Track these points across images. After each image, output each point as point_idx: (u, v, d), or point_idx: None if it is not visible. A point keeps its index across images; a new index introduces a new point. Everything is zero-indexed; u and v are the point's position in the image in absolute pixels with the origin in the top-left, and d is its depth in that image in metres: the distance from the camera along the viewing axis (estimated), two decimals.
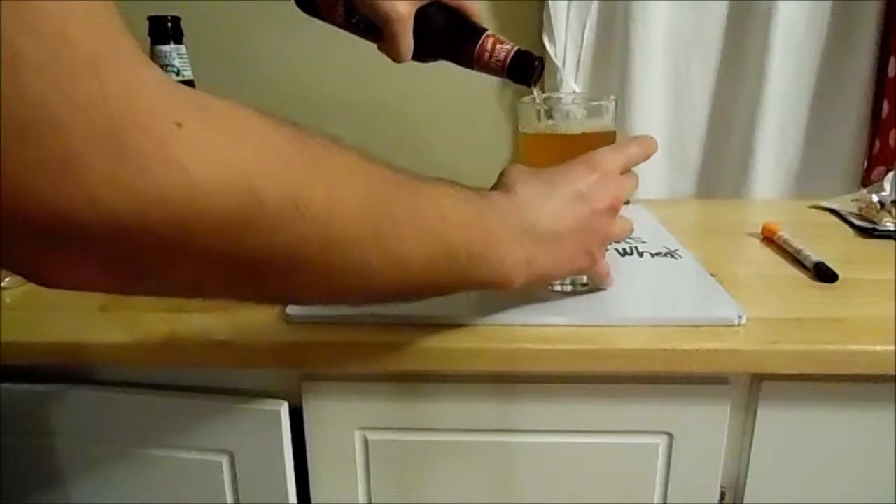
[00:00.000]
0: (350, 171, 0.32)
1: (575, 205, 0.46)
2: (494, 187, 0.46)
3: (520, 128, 0.61)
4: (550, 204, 0.45)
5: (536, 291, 0.55)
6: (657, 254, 0.66)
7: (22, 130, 0.20)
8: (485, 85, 0.96)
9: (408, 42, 0.53)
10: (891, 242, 0.72)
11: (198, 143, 0.24)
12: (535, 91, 0.56)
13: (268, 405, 0.54)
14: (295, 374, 0.54)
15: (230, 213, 0.25)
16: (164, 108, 0.23)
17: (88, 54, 0.21)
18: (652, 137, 0.52)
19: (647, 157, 0.51)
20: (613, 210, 0.48)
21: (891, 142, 0.88)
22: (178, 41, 0.66)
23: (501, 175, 0.47)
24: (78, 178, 0.21)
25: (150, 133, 0.22)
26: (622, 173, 0.49)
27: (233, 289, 0.30)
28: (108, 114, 0.21)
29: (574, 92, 0.92)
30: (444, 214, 0.37)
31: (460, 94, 0.96)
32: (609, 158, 0.49)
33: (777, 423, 0.53)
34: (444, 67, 0.99)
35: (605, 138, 0.58)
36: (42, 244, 0.23)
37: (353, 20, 0.57)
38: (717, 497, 0.55)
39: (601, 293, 0.56)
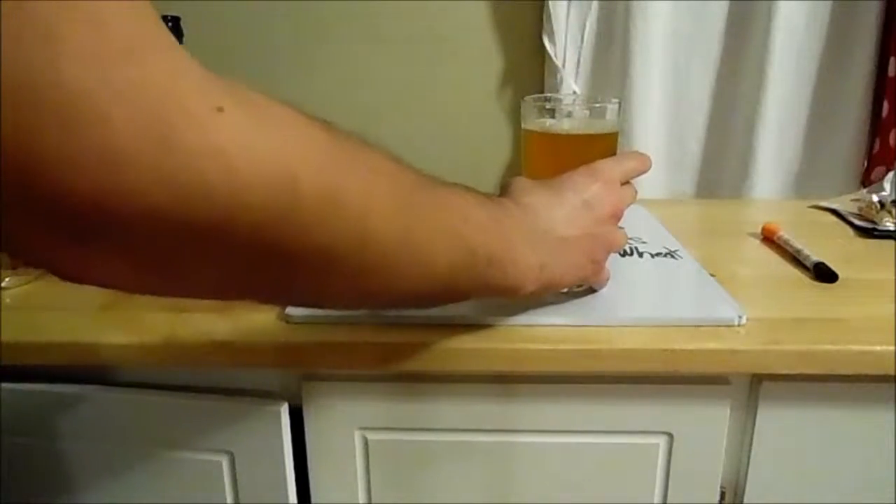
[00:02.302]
0: (380, 170, 0.31)
1: (581, 212, 0.46)
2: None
3: (523, 125, 0.61)
4: (559, 211, 0.45)
5: None
6: (657, 254, 0.66)
7: (61, 120, 0.19)
8: (485, 85, 0.96)
9: None
10: (891, 242, 0.72)
11: (240, 131, 0.23)
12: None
13: (268, 405, 0.54)
14: (295, 374, 0.54)
15: (270, 206, 0.24)
16: (204, 94, 0.22)
17: (126, 40, 0.20)
18: (647, 155, 0.53)
19: (643, 172, 0.52)
20: (615, 218, 0.49)
21: (891, 142, 0.88)
22: (178, 41, 0.66)
23: (504, 187, 0.47)
24: (120, 169, 0.20)
25: (193, 119, 0.22)
26: (621, 184, 0.50)
27: (262, 289, 0.29)
28: (149, 101, 0.21)
29: (574, 92, 0.92)
30: (465, 217, 0.36)
31: (460, 94, 0.96)
32: (610, 168, 0.49)
33: (777, 423, 0.53)
34: (444, 67, 0.99)
35: (609, 139, 0.58)
36: (73, 238, 0.22)
37: None
38: (717, 497, 0.55)
39: (601, 293, 0.56)
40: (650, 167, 0.53)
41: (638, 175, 0.52)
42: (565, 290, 0.56)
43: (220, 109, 0.22)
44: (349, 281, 0.30)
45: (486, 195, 0.41)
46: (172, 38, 0.23)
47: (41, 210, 0.20)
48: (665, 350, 0.49)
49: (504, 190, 0.47)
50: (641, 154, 0.53)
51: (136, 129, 0.20)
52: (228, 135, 0.23)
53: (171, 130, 0.21)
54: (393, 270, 0.32)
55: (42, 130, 0.19)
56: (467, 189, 0.39)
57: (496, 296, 0.41)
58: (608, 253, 0.50)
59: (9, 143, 0.19)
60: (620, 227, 0.51)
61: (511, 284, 0.40)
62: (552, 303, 0.54)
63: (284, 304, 0.33)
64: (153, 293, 0.27)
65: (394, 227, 0.30)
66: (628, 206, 0.51)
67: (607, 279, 0.54)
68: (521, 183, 0.47)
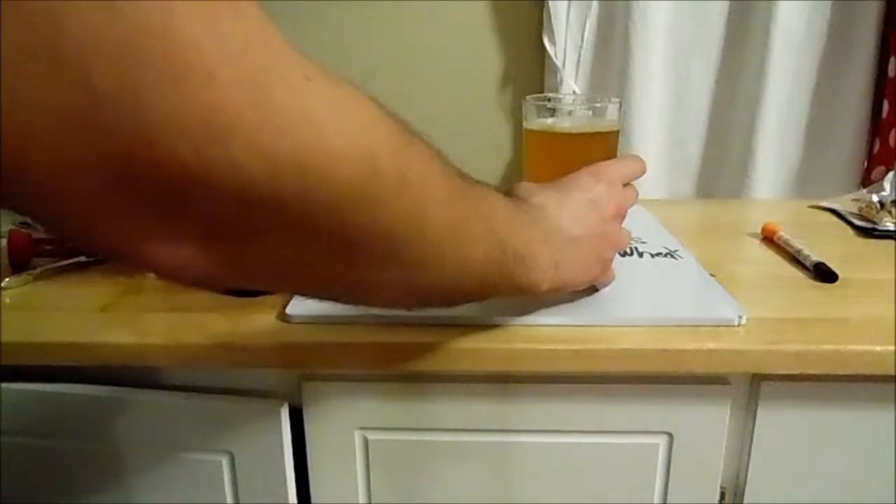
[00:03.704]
0: (433, 157, 0.31)
1: (588, 212, 0.46)
2: None
3: (524, 124, 0.61)
4: (567, 210, 0.45)
5: None
6: (657, 254, 0.66)
7: (169, 76, 0.18)
8: (485, 85, 0.96)
9: None
10: (891, 242, 0.72)
11: (329, 101, 0.23)
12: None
13: (268, 405, 0.54)
14: (295, 374, 0.54)
15: (352, 181, 0.24)
16: (294, 60, 0.21)
17: None
18: (643, 158, 0.54)
19: (641, 175, 0.53)
20: (619, 217, 0.49)
21: (891, 142, 0.88)
22: None
23: (508, 192, 0.47)
24: (222, 135, 0.19)
25: (287, 83, 0.21)
26: (623, 185, 0.51)
27: (318, 276, 0.28)
28: (250, 59, 0.20)
29: (574, 92, 0.92)
30: (496, 211, 0.36)
31: (460, 94, 0.96)
32: (612, 169, 0.50)
33: (777, 423, 0.53)
34: (444, 67, 0.99)
35: (609, 138, 0.58)
36: (152, 211, 0.21)
37: None
38: (717, 497, 0.55)
39: (602, 293, 0.56)
40: (646, 170, 0.54)
41: (636, 178, 0.53)
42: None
43: (309, 79, 0.22)
44: (402, 269, 0.30)
45: (504, 193, 0.42)
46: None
47: (127, 178, 0.19)
48: (665, 350, 0.49)
49: (509, 194, 0.47)
50: (638, 157, 0.54)
51: (238, 90, 0.19)
52: (320, 104, 0.22)
53: (270, 94, 0.20)
54: (441, 261, 0.31)
55: (148, 87, 0.18)
56: (489, 185, 0.39)
57: (515, 294, 0.41)
58: (615, 252, 0.51)
59: (110, 102, 0.18)
60: (624, 227, 0.51)
61: (530, 282, 0.40)
62: (553, 302, 0.54)
63: (332, 297, 0.32)
64: (209, 278, 0.25)
65: (446, 214, 0.30)
66: (631, 206, 0.51)
67: (612, 278, 0.55)
68: (527, 186, 0.47)
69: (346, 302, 0.33)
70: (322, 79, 0.23)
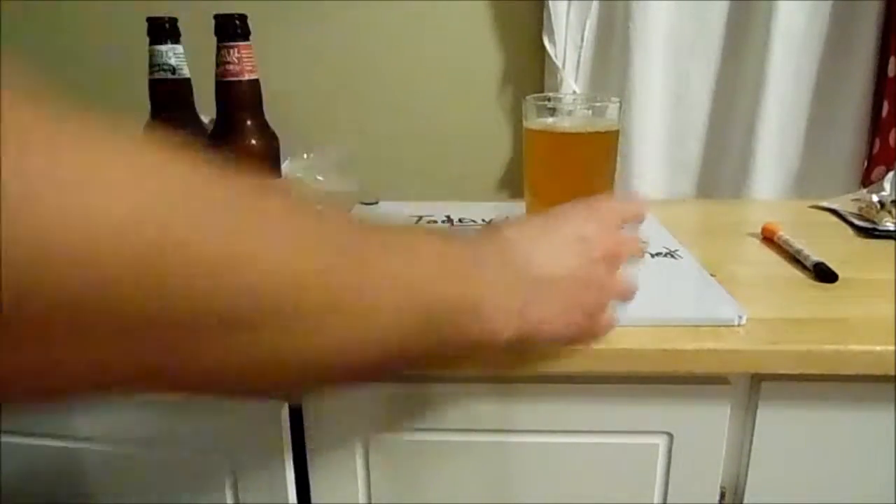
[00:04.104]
0: (300, 226, 0.26)
1: (571, 249, 0.40)
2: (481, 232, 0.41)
3: (524, 124, 0.61)
4: (545, 246, 0.39)
5: None
6: (657, 254, 0.66)
7: None
8: (485, 85, 0.96)
9: None
10: (891, 242, 0.72)
11: (76, 173, 0.18)
12: None
13: (268, 405, 0.54)
14: None
15: (129, 262, 0.19)
16: (20, 121, 0.17)
17: None
18: (645, 203, 0.49)
19: (639, 220, 0.47)
20: (610, 261, 0.42)
21: (891, 142, 0.88)
22: (176, 41, 0.67)
23: (489, 223, 0.44)
24: None
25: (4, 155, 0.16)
26: (622, 228, 0.45)
27: (140, 380, 0.23)
28: None
29: (574, 92, 0.92)
30: (421, 265, 0.31)
31: (460, 94, 0.96)
32: (609, 206, 0.45)
33: (777, 423, 0.53)
34: (444, 66, 0.99)
35: (609, 137, 0.58)
36: None
37: None
38: (717, 497, 0.55)
39: None
40: (644, 217, 0.48)
41: (638, 220, 0.47)
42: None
43: (51, 143, 0.17)
44: (264, 365, 0.25)
45: (453, 234, 0.37)
46: None
47: None
48: (665, 350, 0.49)
49: (487, 225, 0.43)
50: (641, 201, 0.50)
51: None
52: (56, 180, 0.17)
53: None
54: (319, 340, 0.26)
55: None
56: (427, 230, 0.34)
57: (473, 349, 0.35)
58: (602, 300, 0.43)
59: None
60: (626, 274, 0.44)
61: (482, 335, 0.34)
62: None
63: (178, 391, 0.26)
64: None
65: (314, 292, 0.25)
66: (629, 255, 0.44)
67: (608, 329, 0.45)
68: (509, 219, 0.43)
69: (212, 392, 0.28)
70: (75, 149, 0.18)
